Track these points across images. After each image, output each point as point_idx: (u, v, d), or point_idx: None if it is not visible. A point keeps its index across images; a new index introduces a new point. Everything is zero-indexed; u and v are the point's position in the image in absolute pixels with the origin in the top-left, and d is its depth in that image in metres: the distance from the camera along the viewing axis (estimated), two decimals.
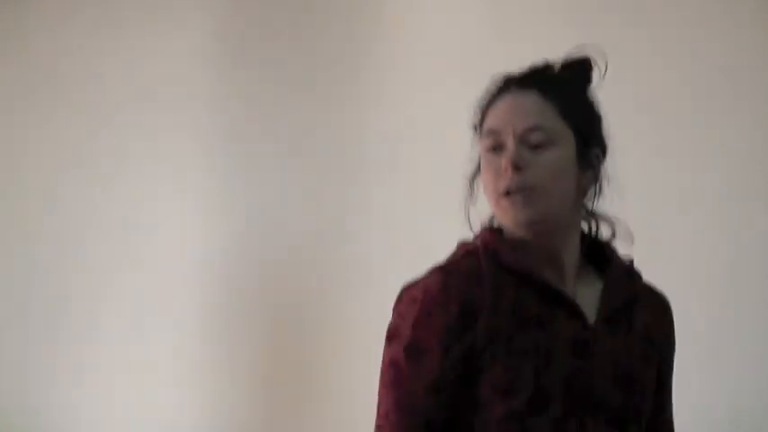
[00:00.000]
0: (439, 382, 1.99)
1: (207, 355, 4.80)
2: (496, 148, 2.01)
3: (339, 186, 4.47)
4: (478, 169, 2.07)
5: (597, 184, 2.13)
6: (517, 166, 1.95)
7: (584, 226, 2.18)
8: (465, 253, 2.08)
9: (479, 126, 2.09)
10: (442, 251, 2.18)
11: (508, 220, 2.01)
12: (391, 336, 2.04)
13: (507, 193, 1.97)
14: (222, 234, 4.75)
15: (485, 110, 2.09)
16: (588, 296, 2.09)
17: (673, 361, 2.31)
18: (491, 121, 2.04)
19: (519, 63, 2.33)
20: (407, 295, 2.04)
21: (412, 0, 4.55)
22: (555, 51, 2.35)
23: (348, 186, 4.45)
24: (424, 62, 4.34)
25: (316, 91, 4.65)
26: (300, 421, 4.61)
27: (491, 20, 4.59)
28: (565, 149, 2.01)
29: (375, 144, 4.37)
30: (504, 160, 1.97)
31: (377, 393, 2.08)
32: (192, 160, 4.90)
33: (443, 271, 2.03)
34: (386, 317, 2.11)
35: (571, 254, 2.08)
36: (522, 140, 1.97)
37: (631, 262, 2.21)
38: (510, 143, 1.97)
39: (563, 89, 2.08)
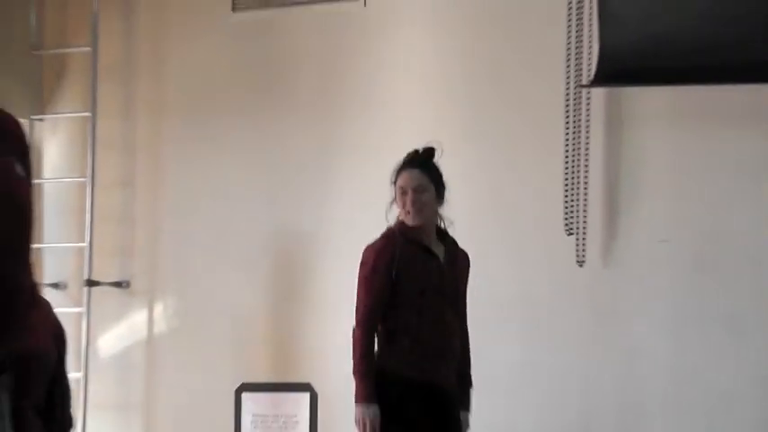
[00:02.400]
0: (384, 285, 4.52)
1: None
2: (403, 193, 4.59)
3: (316, 190, 6.32)
4: (394, 199, 4.63)
5: (442, 206, 4.70)
6: (413, 203, 4.55)
7: (438, 222, 4.74)
8: (389, 232, 4.61)
9: (395, 181, 4.61)
10: (378, 231, 4.67)
11: (408, 221, 4.58)
12: (362, 266, 4.58)
13: (408, 212, 4.57)
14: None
15: (396, 175, 4.62)
16: (439, 251, 4.66)
17: (467, 282, 4.79)
18: (400, 181, 4.60)
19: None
20: (369, 249, 4.60)
21: (380, 67, 6.18)
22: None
23: (319, 195, 6.32)
24: (379, 120, 6.16)
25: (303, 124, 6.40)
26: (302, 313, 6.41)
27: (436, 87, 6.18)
28: (431, 193, 4.58)
29: (343, 162, 6.25)
30: (409, 200, 4.52)
31: (356, 294, 4.55)
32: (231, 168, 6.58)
33: (383, 239, 4.59)
34: (352, 266, 4.69)
35: (433, 233, 4.66)
36: (414, 190, 4.55)
37: (454, 240, 4.73)
38: (410, 192, 4.55)
39: (429, 166, 4.65)
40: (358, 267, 4.67)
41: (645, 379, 5.72)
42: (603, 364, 5.76)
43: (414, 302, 4.67)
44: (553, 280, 5.82)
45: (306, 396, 6.19)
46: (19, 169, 2.65)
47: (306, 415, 6.21)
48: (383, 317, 4.66)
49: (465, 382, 4.91)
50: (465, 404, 4.92)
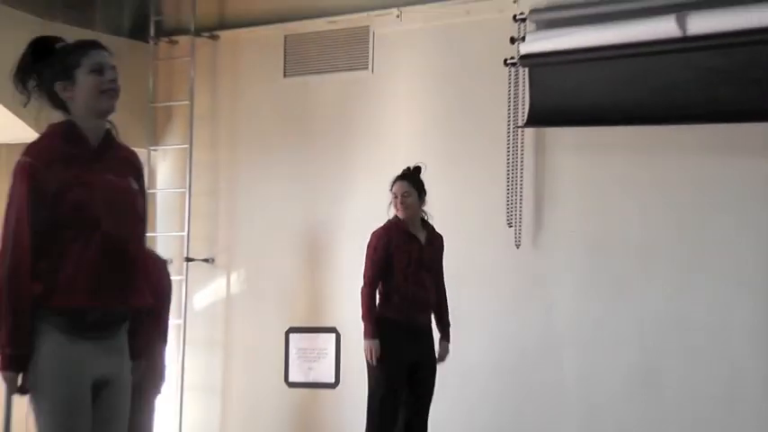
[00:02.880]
0: (382, 259, 4.87)
1: None
2: (395, 197, 4.93)
3: (335, 197, 6.62)
4: (391, 201, 4.98)
5: (424, 205, 5.04)
6: (401, 203, 4.91)
7: (422, 215, 5.07)
8: (387, 223, 4.97)
9: (391, 189, 4.95)
10: (380, 223, 5.07)
11: (399, 216, 4.95)
12: (368, 246, 4.90)
13: (398, 210, 4.94)
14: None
15: (392, 184, 4.97)
16: (421, 236, 4.98)
17: (442, 256, 5.11)
18: (394, 189, 4.95)
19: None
20: (373, 234, 4.92)
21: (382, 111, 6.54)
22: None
23: (340, 199, 6.63)
24: (382, 150, 6.41)
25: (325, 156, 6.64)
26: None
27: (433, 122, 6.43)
28: (414, 197, 4.92)
29: (356, 177, 6.52)
30: (399, 202, 4.91)
31: (364, 265, 4.93)
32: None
33: (382, 228, 4.93)
34: (361, 246, 5.07)
35: (418, 223, 5.00)
36: (402, 195, 4.91)
37: (433, 228, 5.06)
38: (399, 196, 4.92)
39: (414, 178, 5.00)
40: (366, 247, 5.03)
41: (560, 325, 5.86)
42: (532, 315, 5.92)
43: (402, 271, 4.98)
44: (499, 257, 5.97)
45: (333, 336, 6.39)
46: (133, 183, 2.78)
47: (332, 349, 6.38)
48: (382, 281, 4.98)
49: (444, 323, 5.16)
50: (446, 337, 5.15)
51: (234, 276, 6.84)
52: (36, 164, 2.58)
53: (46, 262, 2.58)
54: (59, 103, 2.69)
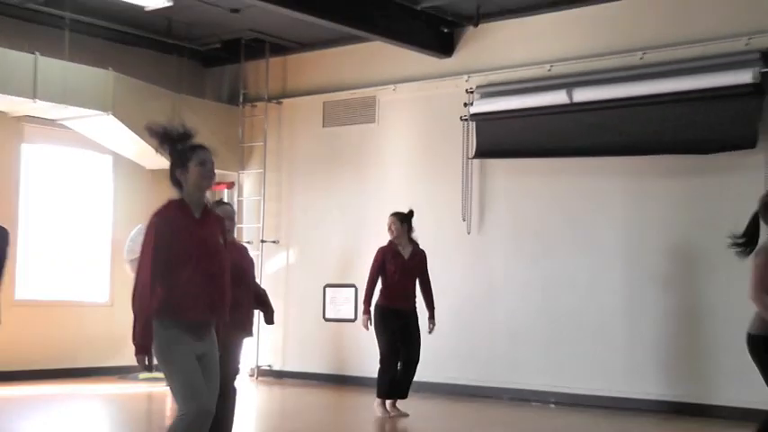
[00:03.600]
0: (379, 266, 4.65)
1: None
2: (389, 228, 4.69)
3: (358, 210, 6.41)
4: (388, 227, 4.71)
5: (412, 232, 4.75)
6: (391, 233, 4.64)
7: (410, 237, 4.71)
8: (387, 244, 4.68)
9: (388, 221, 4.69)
10: (382, 243, 4.92)
11: (390, 237, 4.68)
12: (373, 259, 4.67)
13: (390, 235, 4.63)
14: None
15: (389, 218, 4.68)
16: (406, 252, 4.69)
17: (426, 265, 4.82)
18: (387, 222, 4.71)
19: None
20: (377, 251, 4.68)
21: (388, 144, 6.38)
22: None
23: (357, 203, 6.41)
24: (389, 176, 6.31)
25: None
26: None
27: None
28: (404, 227, 4.65)
29: (367, 190, 6.37)
30: (390, 231, 4.68)
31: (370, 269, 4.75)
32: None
33: (381, 247, 4.67)
34: (371, 254, 4.92)
35: (406, 243, 4.71)
36: (392, 226, 4.65)
37: (417, 244, 4.76)
38: (392, 228, 4.69)
39: (403, 216, 4.70)
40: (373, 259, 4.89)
41: (494, 282, 5.80)
42: (476, 275, 5.86)
43: (392, 274, 4.78)
44: (456, 240, 5.91)
45: (352, 289, 6.32)
46: (219, 237, 2.64)
47: (352, 298, 6.31)
48: (381, 279, 4.81)
49: (431, 308, 4.91)
50: (432, 318, 4.89)
51: (291, 252, 6.82)
52: (160, 222, 2.57)
53: (163, 284, 2.54)
54: (176, 182, 2.63)
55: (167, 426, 2.74)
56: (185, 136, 2.63)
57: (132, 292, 2.53)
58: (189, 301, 2.53)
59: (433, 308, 4.91)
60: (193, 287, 2.55)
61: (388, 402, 4.77)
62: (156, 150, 2.75)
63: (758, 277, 2.69)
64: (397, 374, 4.76)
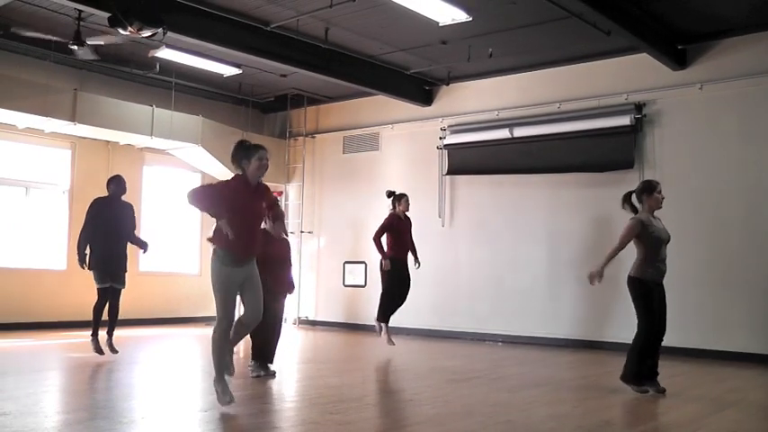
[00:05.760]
0: (387, 227, 4.51)
1: None
2: (394, 207, 4.51)
3: (365, 207, 6.50)
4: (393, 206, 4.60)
5: (407, 209, 4.70)
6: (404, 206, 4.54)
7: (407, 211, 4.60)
8: (392, 214, 4.56)
9: (392, 203, 4.57)
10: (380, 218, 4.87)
11: (397, 212, 4.57)
12: (384, 220, 4.50)
13: (397, 210, 4.45)
14: None
15: (393, 199, 4.55)
16: (406, 220, 4.47)
17: (411, 227, 4.68)
18: (395, 201, 4.58)
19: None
20: (386, 217, 4.45)
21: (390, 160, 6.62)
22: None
23: (367, 206, 6.55)
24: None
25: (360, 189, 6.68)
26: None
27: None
28: (390, 202, 4.55)
29: (374, 197, 6.53)
30: (398, 207, 4.50)
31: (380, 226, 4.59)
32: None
33: (389, 215, 4.50)
34: (376, 225, 4.84)
35: (405, 216, 4.54)
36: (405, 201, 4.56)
37: (407, 216, 4.68)
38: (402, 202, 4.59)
39: (396, 196, 4.67)
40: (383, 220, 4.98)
41: (459, 261, 6.08)
42: (448, 256, 6.15)
43: (397, 233, 4.91)
44: (434, 231, 6.17)
45: (363, 265, 6.62)
46: (262, 202, 2.72)
47: (363, 273, 6.58)
48: (387, 236, 4.88)
49: (415, 255, 5.06)
50: (416, 260, 5.07)
51: (321, 239, 7.10)
52: (241, 187, 2.68)
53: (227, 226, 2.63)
54: (242, 170, 2.74)
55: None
56: (250, 144, 2.86)
57: (206, 211, 2.75)
58: (237, 241, 2.61)
59: (417, 254, 5.09)
60: (240, 232, 2.62)
61: (384, 326, 4.97)
62: (232, 160, 2.80)
63: (622, 236, 3.16)
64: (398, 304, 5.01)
